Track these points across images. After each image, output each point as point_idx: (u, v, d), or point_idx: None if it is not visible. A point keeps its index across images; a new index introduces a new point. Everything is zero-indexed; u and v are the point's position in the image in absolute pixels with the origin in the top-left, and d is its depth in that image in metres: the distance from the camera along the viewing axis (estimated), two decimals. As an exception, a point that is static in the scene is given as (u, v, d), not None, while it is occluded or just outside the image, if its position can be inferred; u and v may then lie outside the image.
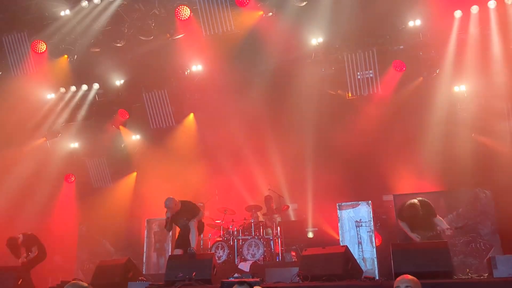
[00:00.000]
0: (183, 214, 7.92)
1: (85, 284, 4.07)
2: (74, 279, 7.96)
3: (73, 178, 12.92)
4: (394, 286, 3.71)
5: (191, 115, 11.95)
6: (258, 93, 11.00)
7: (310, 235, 10.71)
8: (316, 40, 10.44)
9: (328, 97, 10.91)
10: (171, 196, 7.83)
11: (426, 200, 7.49)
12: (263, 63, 11.59)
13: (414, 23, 9.74)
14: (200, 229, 8.22)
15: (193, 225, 7.76)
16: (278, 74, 11.11)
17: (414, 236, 7.26)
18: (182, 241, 7.85)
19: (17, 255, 8.98)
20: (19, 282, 7.46)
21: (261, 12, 9.55)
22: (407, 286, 3.60)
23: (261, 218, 10.40)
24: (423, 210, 7.28)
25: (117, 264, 7.69)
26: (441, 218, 7.50)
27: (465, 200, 9.28)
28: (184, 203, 7.99)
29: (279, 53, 11.05)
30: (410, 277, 3.75)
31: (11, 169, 11.76)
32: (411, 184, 9.64)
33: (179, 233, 8.11)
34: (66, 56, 10.56)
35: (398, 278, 3.77)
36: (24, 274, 8.05)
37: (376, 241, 9.34)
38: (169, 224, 7.85)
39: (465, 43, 9.64)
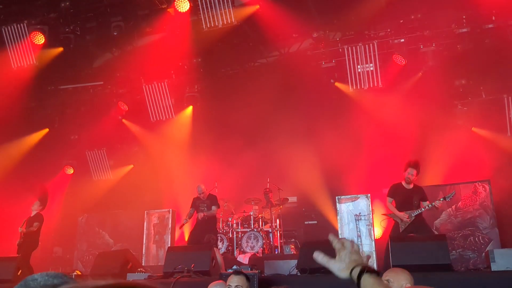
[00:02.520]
0: (207, 202, 9.12)
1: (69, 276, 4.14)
2: (73, 271, 8.03)
3: (72, 170, 12.94)
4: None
5: (190, 108, 11.93)
6: (258, 86, 10.99)
7: None
8: (316, 32, 10.43)
9: (328, 90, 10.89)
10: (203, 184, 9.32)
11: (420, 186, 7.65)
12: (263, 56, 11.60)
13: (415, 16, 9.72)
14: (215, 217, 9.31)
15: (214, 209, 9.10)
16: (279, 67, 11.10)
17: (402, 215, 7.32)
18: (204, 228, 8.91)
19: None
20: (19, 273, 7.48)
21: (257, 6, 9.47)
22: (387, 280, 3.61)
23: (260, 211, 10.42)
24: (415, 191, 7.42)
25: (116, 256, 7.72)
26: (428, 202, 7.54)
27: (464, 194, 9.30)
28: (210, 195, 9.37)
29: (280, 46, 11.05)
30: (394, 269, 3.75)
31: (12, 162, 11.78)
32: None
33: (196, 222, 9.13)
34: (61, 48, 10.48)
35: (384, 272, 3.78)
36: (24, 264, 8.07)
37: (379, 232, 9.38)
38: (190, 214, 9.18)
39: (464, 37, 9.64)
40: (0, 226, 10.47)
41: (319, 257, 1.67)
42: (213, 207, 9.08)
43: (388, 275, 3.61)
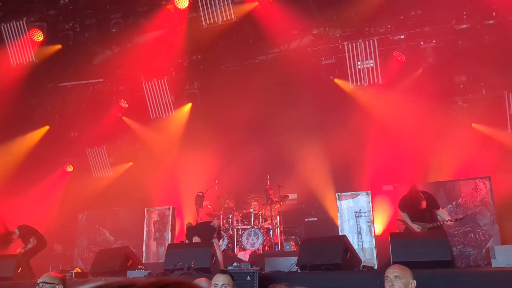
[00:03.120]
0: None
1: (59, 276, 4.16)
2: (73, 268, 8.03)
3: (71, 168, 12.93)
4: (384, 275, 3.72)
5: (190, 105, 11.92)
6: (258, 83, 10.97)
7: None
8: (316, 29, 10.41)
9: (328, 87, 10.86)
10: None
11: (429, 193, 7.56)
12: (263, 53, 11.57)
13: (416, 12, 9.69)
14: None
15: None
16: (279, 64, 11.08)
17: (415, 227, 7.30)
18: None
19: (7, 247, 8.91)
20: (19, 271, 7.47)
21: (257, 3, 9.44)
22: (396, 276, 3.60)
23: (260, 208, 10.42)
24: (426, 202, 7.35)
25: (117, 253, 7.72)
26: (444, 210, 7.54)
27: (465, 190, 9.29)
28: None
29: (279, 42, 11.03)
30: (399, 266, 3.75)
31: (12, 159, 11.78)
32: (411, 174, 9.64)
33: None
34: (60, 45, 10.46)
35: (388, 268, 3.78)
36: (24, 262, 8.06)
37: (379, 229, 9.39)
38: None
39: (464, 33, 9.62)
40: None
41: None
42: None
43: (395, 271, 3.61)
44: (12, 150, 11.95)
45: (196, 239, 8.01)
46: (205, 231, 8.25)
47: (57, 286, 4.00)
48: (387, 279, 3.61)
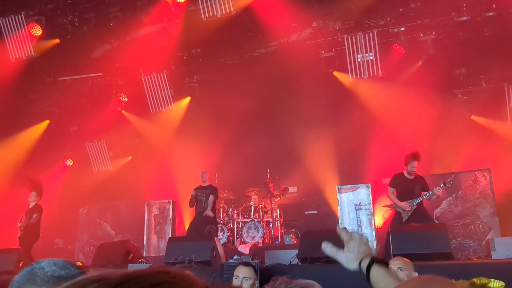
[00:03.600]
0: (205, 190, 9.17)
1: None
2: (75, 262, 8.05)
3: (71, 162, 12.94)
4: None
5: (189, 98, 11.91)
6: (257, 76, 10.95)
7: None
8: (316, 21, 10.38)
9: (328, 79, 10.85)
10: (207, 171, 9.52)
11: (421, 176, 7.68)
12: (262, 46, 11.54)
13: (415, 4, 9.66)
14: (213, 208, 9.28)
15: (211, 199, 9.08)
16: (278, 57, 11.06)
17: (403, 205, 7.37)
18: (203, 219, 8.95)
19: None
20: (20, 264, 7.50)
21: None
22: (399, 268, 3.62)
23: (260, 201, 10.43)
24: (417, 181, 7.46)
25: (118, 246, 7.74)
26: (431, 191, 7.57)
27: (465, 182, 9.30)
28: (210, 185, 9.39)
29: (279, 35, 10.99)
30: (401, 258, 3.77)
31: (13, 154, 11.79)
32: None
33: (195, 214, 9.25)
34: (59, 39, 10.43)
35: (391, 260, 3.79)
36: (25, 256, 8.09)
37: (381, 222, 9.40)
38: (192, 201, 9.18)
39: (464, 25, 9.60)
40: (0, 218, 10.47)
41: (327, 248, 1.67)
42: (210, 196, 9.10)
43: (398, 263, 3.62)
44: (13, 145, 11.96)
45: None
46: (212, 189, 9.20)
47: None
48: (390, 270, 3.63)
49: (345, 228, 1.72)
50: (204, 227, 8.73)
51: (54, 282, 1.18)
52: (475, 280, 1.38)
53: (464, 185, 9.28)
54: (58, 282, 1.17)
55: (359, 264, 1.58)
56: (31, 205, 9.35)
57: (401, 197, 7.55)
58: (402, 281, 1.45)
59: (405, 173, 7.71)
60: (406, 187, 7.58)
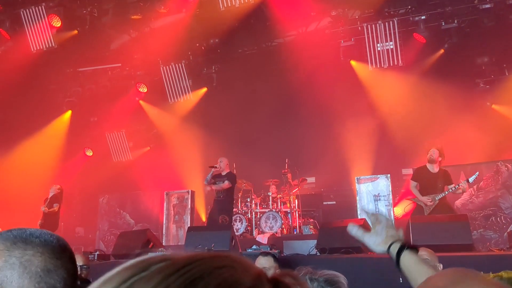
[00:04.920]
0: (223, 178, 8.87)
1: (84, 258, 4.32)
2: (95, 250, 8.18)
3: (91, 152, 13.10)
4: None
5: (208, 89, 11.92)
6: (276, 66, 10.90)
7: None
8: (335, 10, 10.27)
9: (347, 69, 10.74)
10: (226, 158, 9.17)
11: (446, 169, 7.49)
12: (280, 36, 11.46)
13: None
14: (231, 197, 9.09)
15: (224, 182, 8.77)
16: (296, 47, 10.97)
17: (425, 199, 7.22)
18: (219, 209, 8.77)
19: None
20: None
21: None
22: (424, 259, 3.57)
23: (278, 192, 10.43)
24: (440, 175, 7.28)
25: (138, 235, 7.82)
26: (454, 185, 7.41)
27: (486, 173, 9.16)
28: (230, 172, 9.09)
29: (297, 25, 10.90)
30: (426, 249, 3.72)
31: (33, 146, 11.99)
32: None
33: (213, 203, 9.04)
34: (78, 30, 10.52)
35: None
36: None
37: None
38: (209, 177, 8.92)
39: (487, 13, 9.38)
40: (21, 207, 10.65)
41: (354, 229, 1.66)
42: (225, 182, 8.81)
43: (424, 254, 3.59)
44: (40, 137, 12.17)
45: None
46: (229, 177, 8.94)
47: (83, 267, 4.11)
48: None
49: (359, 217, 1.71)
50: (218, 216, 8.70)
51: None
52: (502, 273, 1.35)
53: (486, 176, 9.13)
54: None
55: (388, 248, 1.56)
56: (51, 194, 9.54)
57: (424, 191, 7.31)
58: (433, 270, 1.43)
59: (427, 165, 7.45)
60: (428, 181, 7.33)
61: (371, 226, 1.64)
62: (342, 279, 1.91)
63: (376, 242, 1.60)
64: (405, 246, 1.53)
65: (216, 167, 8.88)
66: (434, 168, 7.41)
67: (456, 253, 5.27)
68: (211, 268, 0.54)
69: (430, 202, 7.18)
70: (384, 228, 1.60)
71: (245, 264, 0.58)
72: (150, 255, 0.59)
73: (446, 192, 7.24)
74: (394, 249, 1.55)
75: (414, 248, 1.54)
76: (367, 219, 1.67)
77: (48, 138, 12.31)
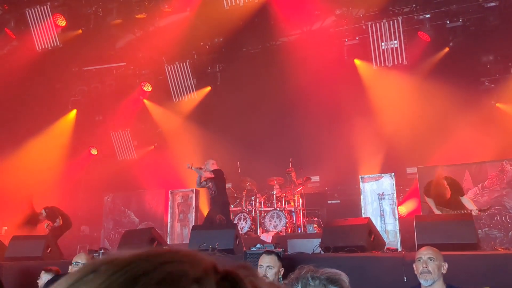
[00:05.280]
0: (211, 179, 8.73)
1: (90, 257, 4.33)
2: (100, 248, 8.21)
3: (96, 151, 13.14)
4: (416, 257, 3.67)
5: (212, 87, 11.94)
6: (280, 65, 10.89)
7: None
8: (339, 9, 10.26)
9: (352, 68, 10.73)
10: (213, 159, 9.08)
11: (454, 178, 7.40)
12: (285, 35, 11.46)
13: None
14: (223, 195, 8.90)
15: (207, 170, 8.69)
16: (301, 46, 10.97)
17: (438, 213, 7.21)
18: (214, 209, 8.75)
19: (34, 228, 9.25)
20: (48, 251, 7.67)
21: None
22: (430, 258, 3.56)
23: (283, 190, 10.44)
24: (450, 189, 7.21)
25: (142, 234, 7.84)
26: (468, 198, 7.39)
27: (491, 172, 9.12)
28: (216, 170, 8.85)
29: (301, 24, 10.90)
30: (431, 247, 3.71)
31: (39, 144, 12.04)
32: (435, 156, 9.51)
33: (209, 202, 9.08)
34: (83, 29, 10.55)
35: (420, 249, 3.73)
36: (53, 243, 8.28)
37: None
38: (198, 181, 8.91)
39: (492, 11, 9.35)
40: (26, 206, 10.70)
41: None
42: (206, 171, 8.68)
43: (429, 253, 3.57)
44: (46, 137, 12.21)
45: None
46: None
47: None
48: (419, 260, 3.58)
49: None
50: (215, 215, 8.71)
51: None
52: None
53: (491, 175, 9.10)
54: None
55: None
56: (43, 216, 9.35)
57: (437, 204, 7.29)
58: None
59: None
60: (439, 199, 7.33)
61: None
62: (344, 276, 1.92)
63: None
64: None
65: (201, 168, 8.80)
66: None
67: (461, 252, 5.26)
68: (157, 264, 0.54)
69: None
70: None
71: (195, 258, 0.57)
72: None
73: (460, 211, 7.16)
74: None
75: None
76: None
77: (54, 137, 12.37)
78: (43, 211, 9.32)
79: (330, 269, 1.94)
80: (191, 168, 8.67)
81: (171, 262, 0.55)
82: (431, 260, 3.53)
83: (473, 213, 7.13)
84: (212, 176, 8.67)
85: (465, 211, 7.11)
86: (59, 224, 9.24)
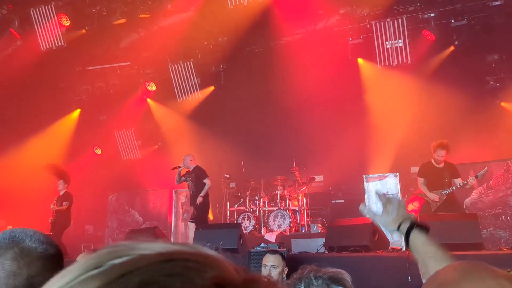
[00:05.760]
0: (191, 174, 8.91)
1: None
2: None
3: (100, 150, 13.17)
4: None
5: (216, 87, 11.94)
6: (284, 64, 10.87)
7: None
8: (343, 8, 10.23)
9: (356, 67, 10.70)
10: (191, 154, 9.13)
11: (451, 162, 7.49)
12: (289, 34, 11.44)
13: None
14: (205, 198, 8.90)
15: (206, 182, 8.75)
16: (305, 45, 10.95)
17: (432, 197, 7.22)
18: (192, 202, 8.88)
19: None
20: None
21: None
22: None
23: (287, 190, 10.42)
24: (446, 169, 7.27)
25: (147, 233, 7.86)
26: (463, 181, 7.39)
27: (496, 172, 9.08)
28: (197, 167, 8.98)
29: (305, 23, 10.88)
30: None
31: (43, 144, 12.07)
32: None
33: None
34: (87, 29, 10.57)
35: None
36: (57, 242, 8.31)
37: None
38: (178, 177, 9.04)
39: (497, 10, 9.30)
40: (32, 205, 10.75)
41: (365, 210, 1.67)
42: (205, 180, 8.75)
43: None
44: (49, 136, 12.25)
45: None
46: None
47: None
48: None
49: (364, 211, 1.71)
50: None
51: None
52: None
53: (496, 174, 9.06)
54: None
55: (398, 227, 1.56)
56: (61, 193, 9.59)
57: (431, 186, 7.37)
58: (441, 252, 1.40)
59: (433, 161, 7.52)
60: (435, 176, 7.40)
61: (383, 206, 1.64)
62: (346, 276, 1.91)
63: (387, 221, 1.60)
64: (415, 225, 1.52)
65: (180, 167, 8.93)
66: (439, 163, 7.42)
67: (466, 252, 5.24)
68: (159, 262, 0.46)
69: (437, 199, 7.19)
70: (396, 208, 1.60)
71: (226, 266, 0.48)
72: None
73: (454, 188, 7.24)
74: (404, 228, 1.54)
75: (424, 228, 1.53)
76: (379, 199, 1.66)
77: (58, 136, 12.41)
78: (62, 182, 9.66)
79: (333, 269, 1.93)
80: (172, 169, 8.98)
81: (176, 260, 0.46)
82: None
83: (471, 182, 7.13)
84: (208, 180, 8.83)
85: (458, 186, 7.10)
86: (64, 208, 9.33)
